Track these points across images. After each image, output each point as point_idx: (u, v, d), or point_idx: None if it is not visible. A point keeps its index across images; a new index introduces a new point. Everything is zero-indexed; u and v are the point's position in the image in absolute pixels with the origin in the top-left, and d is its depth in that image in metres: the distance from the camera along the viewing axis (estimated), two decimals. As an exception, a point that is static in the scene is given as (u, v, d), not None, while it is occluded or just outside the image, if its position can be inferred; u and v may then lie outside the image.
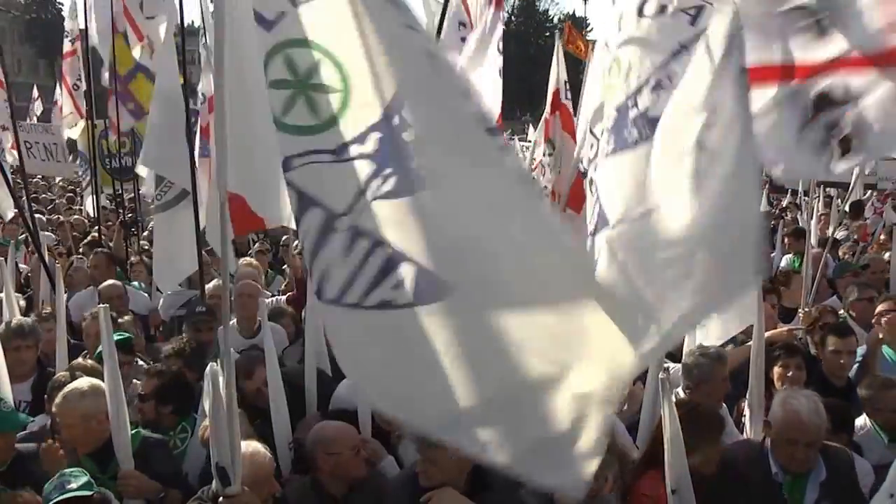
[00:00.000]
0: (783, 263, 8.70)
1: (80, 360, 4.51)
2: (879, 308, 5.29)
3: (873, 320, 5.30)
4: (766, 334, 4.61)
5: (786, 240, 9.20)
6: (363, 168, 2.28)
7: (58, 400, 3.57)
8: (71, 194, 17.22)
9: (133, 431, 3.56)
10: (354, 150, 2.30)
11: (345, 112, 2.33)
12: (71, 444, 3.59)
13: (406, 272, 2.20)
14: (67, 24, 14.16)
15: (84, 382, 3.63)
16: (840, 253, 8.23)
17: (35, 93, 19.73)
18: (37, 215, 10.48)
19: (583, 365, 2.12)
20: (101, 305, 3.55)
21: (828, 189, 13.00)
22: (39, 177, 21.60)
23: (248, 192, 4.52)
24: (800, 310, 6.08)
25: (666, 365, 4.18)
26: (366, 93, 2.29)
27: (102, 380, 3.73)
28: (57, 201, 15.36)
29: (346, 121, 2.33)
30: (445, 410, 2.20)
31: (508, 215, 2.16)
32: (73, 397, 3.53)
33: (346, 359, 2.51)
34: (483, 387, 2.17)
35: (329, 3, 2.35)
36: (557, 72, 7.43)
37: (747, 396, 4.22)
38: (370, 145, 2.28)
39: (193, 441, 3.94)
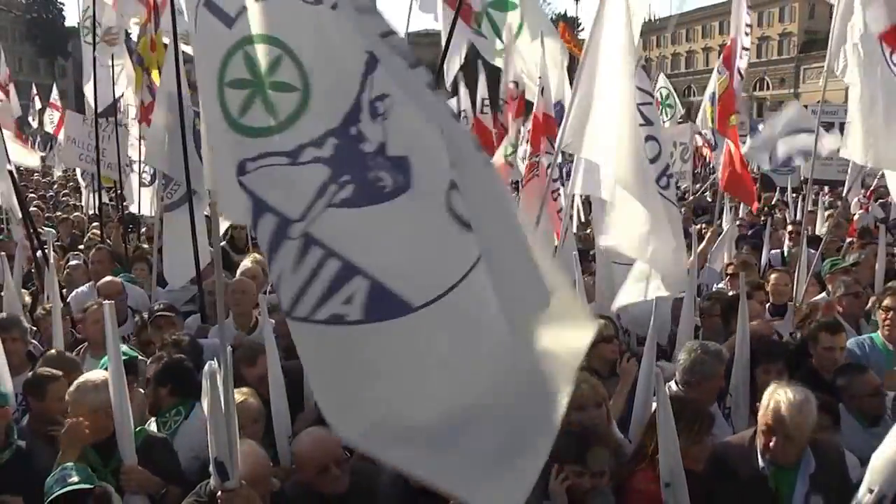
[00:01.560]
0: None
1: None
2: (886, 302, 5.15)
3: (879, 314, 5.20)
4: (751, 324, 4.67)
5: (772, 236, 9.22)
6: (319, 172, 2.12)
7: (70, 391, 3.59)
8: (68, 192, 17.22)
9: (137, 429, 3.58)
10: (311, 153, 2.14)
11: (303, 112, 2.17)
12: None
13: (358, 286, 2.07)
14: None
15: (95, 375, 3.65)
16: (822, 249, 8.21)
17: (34, 91, 19.82)
18: (35, 210, 10.50)
19: (538, 390, 2.05)
20: (106, 301, 3.54)
21: (814, 186, 12.95)
22: (39, 174, 21.66)
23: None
24: (790, 305, 6.14)
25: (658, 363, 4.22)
26: (326, 95, 2.16)
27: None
28: (63, 198, 15.40)
29: (304, 122, 2.17)
30: (394, 429, 2.12)
31: (476, 232, 2.06)
32: (85, 389, 3.55)
33: (309, 371, 2.40)
34: (434, 407, 2.09)
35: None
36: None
37: (731, 390, 4.27)
38: (328, 150, 2.14)
39: (186, 424, 3.96)
